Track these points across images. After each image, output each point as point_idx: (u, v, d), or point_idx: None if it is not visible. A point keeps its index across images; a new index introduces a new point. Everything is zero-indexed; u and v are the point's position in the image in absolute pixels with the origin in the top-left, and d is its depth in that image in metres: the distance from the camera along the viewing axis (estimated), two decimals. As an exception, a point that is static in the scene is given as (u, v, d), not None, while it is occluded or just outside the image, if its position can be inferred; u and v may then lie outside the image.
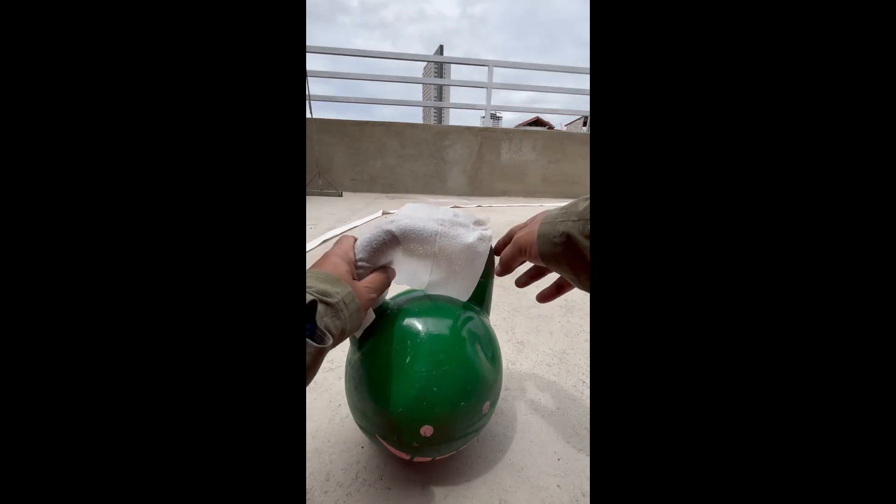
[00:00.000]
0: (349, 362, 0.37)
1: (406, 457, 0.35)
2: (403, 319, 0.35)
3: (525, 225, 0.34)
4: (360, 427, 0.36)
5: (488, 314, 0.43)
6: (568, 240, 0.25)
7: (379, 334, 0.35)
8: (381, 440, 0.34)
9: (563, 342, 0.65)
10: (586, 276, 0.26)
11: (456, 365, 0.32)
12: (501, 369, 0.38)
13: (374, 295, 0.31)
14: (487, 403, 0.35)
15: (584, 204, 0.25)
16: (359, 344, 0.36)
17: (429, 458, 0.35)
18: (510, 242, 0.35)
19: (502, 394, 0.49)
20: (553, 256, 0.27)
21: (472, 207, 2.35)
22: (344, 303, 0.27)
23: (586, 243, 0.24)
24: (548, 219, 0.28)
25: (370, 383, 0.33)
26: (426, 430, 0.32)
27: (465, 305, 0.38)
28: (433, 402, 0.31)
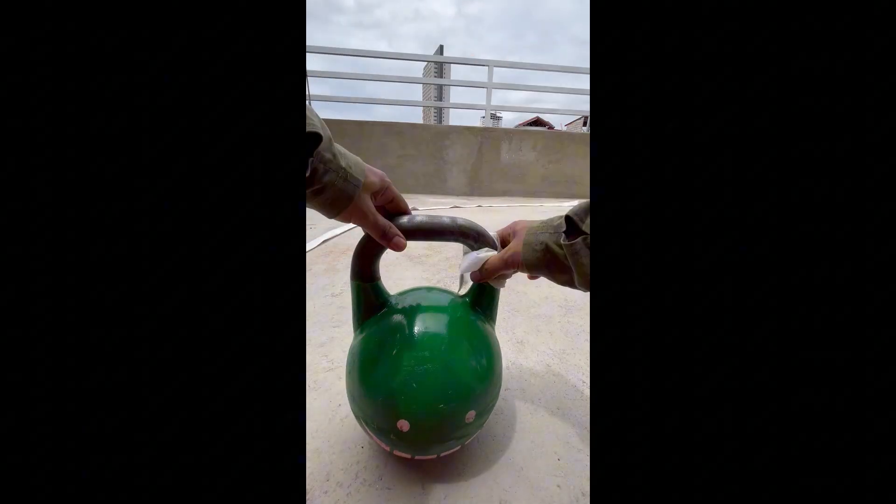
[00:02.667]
0: (350, 347, 0.38)
1: (386, 448, 0.35)
2: (402, 313, 0.36)
3: (509, 231, 0.37)
4: (351, 409, 0.37)
5: (494, 322, 0.42)
6: (546, 248, 0.32)
7: (377, 322, 0.36)
8: (364, 426, 0.35)
9: (563, 342, 0.65)
10: (562, 278, 0.33)
11: (439, 366, 0.32)
12: (497, 381, 0.37)
13: (373, 204, 0.31)
14: (472, 413, 0.34)
15: (559, 220, 0.32)
16: (360, 329, 0.37)
17: (409, 456, 0.35)
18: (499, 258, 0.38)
19: (502, 393, 0.49)
20: (535, 263, 0.33)
21: (472, 207, 2.35)
22: (349, 166, 0.28)
23: (560, 251, 0.31)
24: (531, 230, 0.34)
25: (360, 368, 0.34)
26: (402, 425, 0.32)
27: (471, 311, 0.38)
28: (411, 397, 0.31)
